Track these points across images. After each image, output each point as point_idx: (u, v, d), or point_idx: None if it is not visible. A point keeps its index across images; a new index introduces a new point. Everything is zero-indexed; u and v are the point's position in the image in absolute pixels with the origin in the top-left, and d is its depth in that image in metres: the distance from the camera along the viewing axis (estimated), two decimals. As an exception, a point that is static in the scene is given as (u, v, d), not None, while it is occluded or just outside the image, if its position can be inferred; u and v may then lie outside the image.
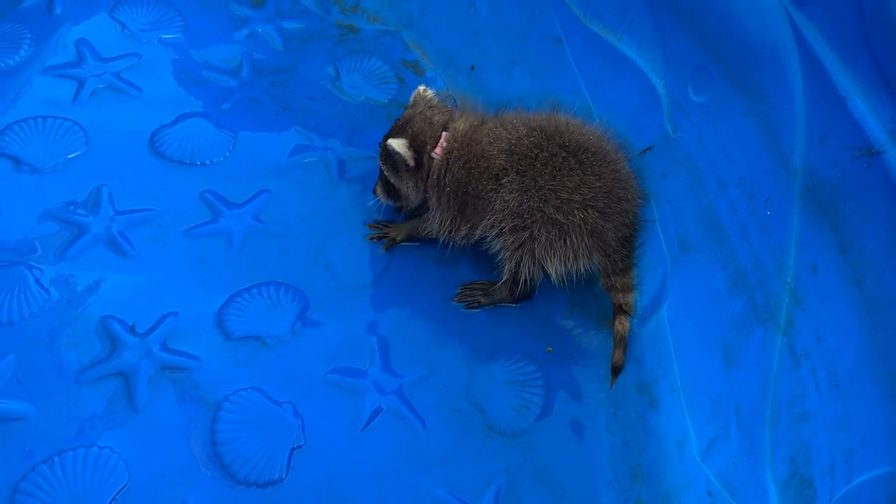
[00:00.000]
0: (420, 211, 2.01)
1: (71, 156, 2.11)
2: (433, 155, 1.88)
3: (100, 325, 1.81)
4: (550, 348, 1.93)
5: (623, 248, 1.84)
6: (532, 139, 1.78)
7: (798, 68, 1.55)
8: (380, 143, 1.95)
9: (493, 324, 1.96)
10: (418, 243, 2.05)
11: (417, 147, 1.87)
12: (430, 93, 1.97)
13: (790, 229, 1.51)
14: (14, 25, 2.37)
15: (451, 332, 1.93)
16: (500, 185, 1.79)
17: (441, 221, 1.91)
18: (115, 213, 2.02)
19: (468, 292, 1.97)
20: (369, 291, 1.97)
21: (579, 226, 1.76)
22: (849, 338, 1.37)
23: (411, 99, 1.97)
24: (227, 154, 2.19)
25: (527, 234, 1.79)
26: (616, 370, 1.83)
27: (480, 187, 1.82)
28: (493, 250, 1.87)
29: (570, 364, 1.91)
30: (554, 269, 1.81)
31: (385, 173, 1.95)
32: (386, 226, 2.07)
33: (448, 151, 1.86)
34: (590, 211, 1.76)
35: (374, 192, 2.03)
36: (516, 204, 1.78)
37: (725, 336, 1.60)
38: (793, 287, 1.49)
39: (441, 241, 1.95)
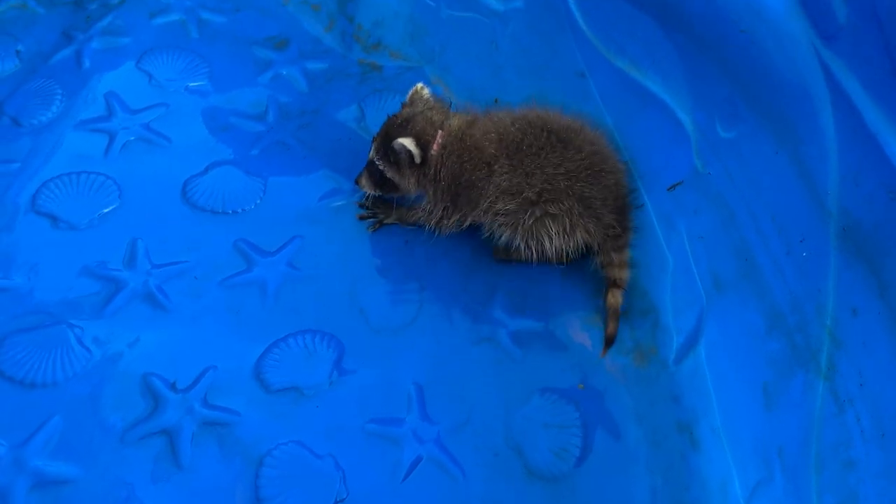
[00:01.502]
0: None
1: (105, 210, 2.15)
2: (431, 152, 1.99)
3: (142, 382, 1.84)
4: (582, 385, 1.92)
5: (617, 221, 1.94)
6: (517, 126, 1.94)
7: (828, 105, 1.54)
8: (373, 138, 2.08)
9: (528, 364, 1.95)
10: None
11: (422, 145, 1.98)
12: (426, 91, 2.08)
13: (827, 271, 1.50)
14: (45, 81, 2.42)
15: (486, 374, 1.93)
16: (492, 170, 1.93)
17: (432, 212, 2.05)
18: (152, 266, 2.05)
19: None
20: (403, 336, 1.98)
21: (566, 193, 1.89)
22: (893, 383, 1.35)
23: (409, 97, 2.08)
24: (258, 201, 2.22)
25: (524, 213, 1.92)
26: (609, 341, 1.92)
27: (474, 177, 1.94)
28: (504, 240, 2.00)
29: (607, 402, 1.89)
30: (555, 241, 1.93)
31: (381, 168, 2.05)
32: (376, 206, 2.18)
33: (443, 147, 1.98)
34: (573, 181, 1.89)
35: (358, 182, 2.13)
36: (507, 184, 1.92)
37: (765, 377, 1.59)
38: (833, 330, 1.48)
39: (428, 228, 2.08)
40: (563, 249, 1.97)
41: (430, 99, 2.07)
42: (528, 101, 2.27)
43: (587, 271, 2.07)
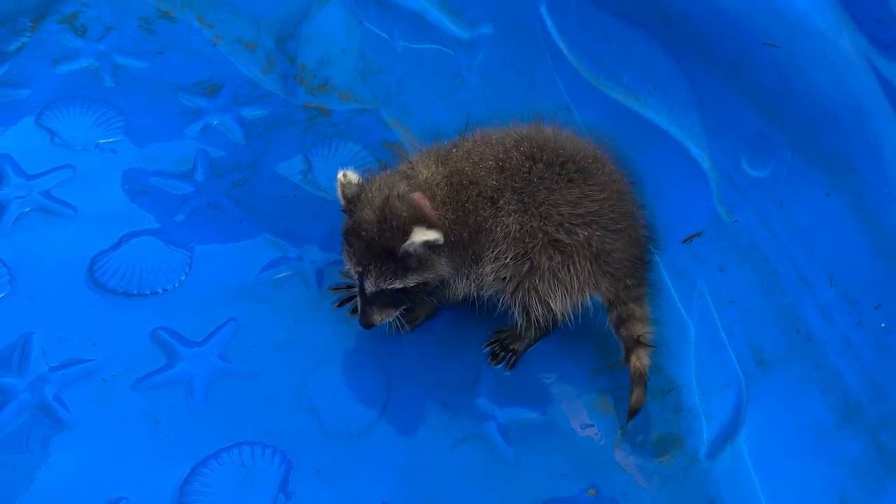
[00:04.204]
0: None
1: (-9, 300, 1.74)
2: (434, 221, 1.55)
3: (27, 528, 1.42)
4: (593, 490, 1.56)
5: (636, 271, 1.62)
6: (522, 150, 1.57)
7: (893, 132, 1.20)
8: (356, 272, 1.58)
9: (524, 467, 1.59)
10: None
11: (425, 223, 1.52)
12: (350, 174, 1.60)
13: (918, 346, 1.15)
14: (-80, 147, 2.01)
15: (473, 486, 1.55)
16: (498, 208, 1.55)
17: (468, 276, 1.62)
18: (49, 368, 1.64)
19: (498, 348, 1.73)
20: (365, 441, 1.60)
21: (583, 245, 1.54)
22: None
23: (344, 196, 1.59)
24: (183, 277, 1.82)
25: (526, 265, 1.55)
26: (634, 411, 1.57)
27: (479, 218, 1.55)
28: (491, 292, 1.64)
29: (626, 510, 1.53)
30: (559, 304, 1.58)
31: (401, 286, 1.56)
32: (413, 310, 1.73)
33: (436, 208, 1.55)
34: (594, 227, 1.54)
35: (373, 322, 1.61)
36: (518, 227, 1.55)
37: (844, 486, 1.23)
38: (935, 426, 1.12)
39: (473, 298, 1.69)
40: (562, 313, 1.61)
41: (369, 176, 1.62)
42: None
43: (588, 341, 1.74)
